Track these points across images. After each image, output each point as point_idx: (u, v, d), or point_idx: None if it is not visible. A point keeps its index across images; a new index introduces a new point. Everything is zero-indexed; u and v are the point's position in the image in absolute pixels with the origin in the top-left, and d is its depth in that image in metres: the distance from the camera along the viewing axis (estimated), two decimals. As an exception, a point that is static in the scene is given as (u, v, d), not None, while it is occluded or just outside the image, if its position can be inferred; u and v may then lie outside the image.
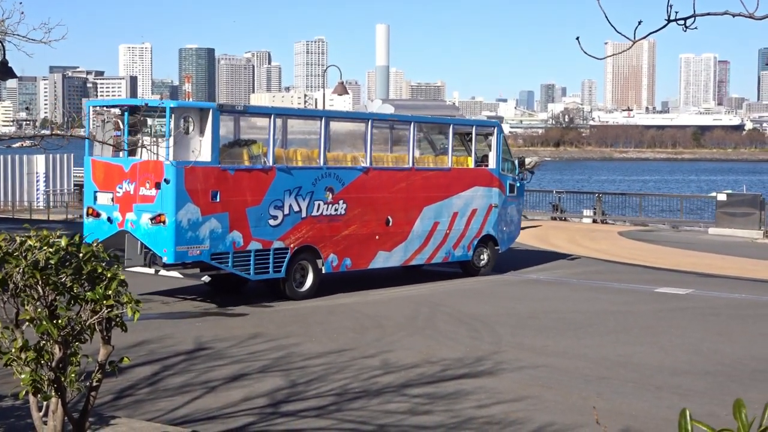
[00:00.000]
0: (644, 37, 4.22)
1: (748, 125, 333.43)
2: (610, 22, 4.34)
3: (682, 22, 4.08)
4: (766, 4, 3.92)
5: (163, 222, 19.27)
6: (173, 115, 19.45)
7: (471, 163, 26.03)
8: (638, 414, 12.03)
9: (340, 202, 22.23)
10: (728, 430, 2.28)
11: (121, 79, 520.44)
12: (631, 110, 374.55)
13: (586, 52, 4.55)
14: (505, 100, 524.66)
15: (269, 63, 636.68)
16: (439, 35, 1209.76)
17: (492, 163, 26.37)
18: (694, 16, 4.08)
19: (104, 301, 6.88)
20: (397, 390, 13.00)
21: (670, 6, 4.00)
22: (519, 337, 17.22)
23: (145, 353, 14.98)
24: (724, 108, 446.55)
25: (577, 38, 4.62)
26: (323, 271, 22.11)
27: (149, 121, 20.86)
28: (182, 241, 19.27)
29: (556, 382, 13.78)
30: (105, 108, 21.60)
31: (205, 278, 20.43)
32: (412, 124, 24.34)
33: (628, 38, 4.21)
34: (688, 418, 2.27)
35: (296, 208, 21.31)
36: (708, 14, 4.06)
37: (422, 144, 26.55)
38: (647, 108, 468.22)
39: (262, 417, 11.51)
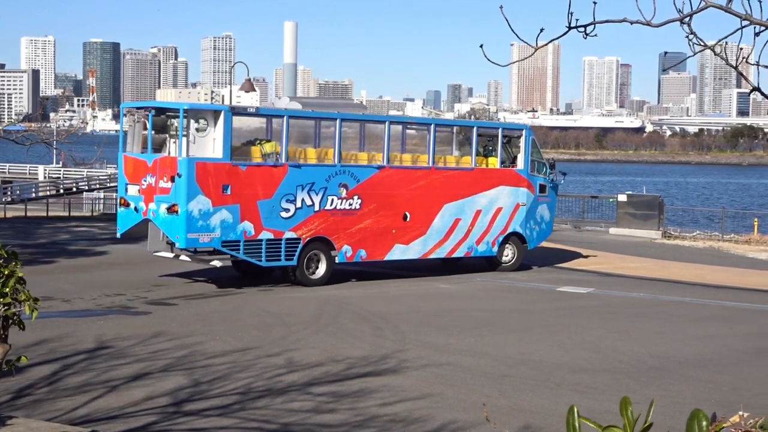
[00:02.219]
0: (546, 44, 4.29)
1: (649, 127, 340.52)
2: (513, 30, 4.41)
3: (582, 29, 4.16)
4: (662, 11, 4.02)
5: (176, 211, 21.49)
6: (187, 116, 21.64)
7: (496, 163, 27.00)
8: (538, 411, 12.21)
9: (355, 197, 23.93)
10: (614, 427, 2.34)
11: (23, 72, 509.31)
12: (536, 111, 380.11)
13: (489, 60, 4.61)
14: (412, 100, 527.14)
15: (176, 58, 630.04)
16: (347, 34, 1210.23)
17: (520, 164, 27.36)
18: (594, 23, 4.17)
19: (1, 299, 6.75)
20: (301, 388, 12.99)
21: (571, 13, 4.07)
22: (423, 335, 17.34)
23: (44, 352, 14.72)
24: (626, 110, 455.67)
25: (481, 46, 4.68)
26: (337, 261, 23.86)
27: (172, 121, 22.45)
28: (193, 229, 21.47)
29: (459, 379, 13.92)
30: (136, 109, 23.65)
31: (216, 263, 22.57)
32: (432, 125, 26.13)
33: (530, 45, 4.28)
34: (575, 414, 2.33)
35: (309, 202, 23.14)
36: (607, 21, 4.15)
37: (463, 146, 27.79)
38: (551, 109, 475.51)
39: (165, 416, 11.40)
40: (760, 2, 3.96)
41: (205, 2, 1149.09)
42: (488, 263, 27.34)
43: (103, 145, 37.34)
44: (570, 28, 4.00)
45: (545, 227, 28.29)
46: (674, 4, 4.04)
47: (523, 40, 4.11)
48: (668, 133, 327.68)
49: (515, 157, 27.58)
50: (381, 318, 18.95)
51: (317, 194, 23.24)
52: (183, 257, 22.76)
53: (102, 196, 54.90)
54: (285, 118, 23.01)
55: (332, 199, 23.53)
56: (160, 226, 22.06)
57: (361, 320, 18.74)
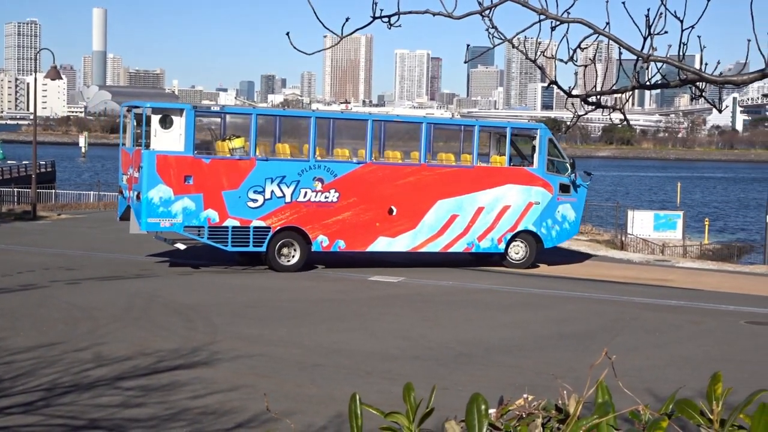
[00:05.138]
0: (351, 33, 4.32)
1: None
2: (318, 19, 4.43)
3: (386, 19, 4.21)
4: (463, 4, 4.11)
5: (140, 198, 23.77)
6: (152, 114, 24.26)
7: (504, 162, 27.37)
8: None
9: (332, 191, 25.25)
10: (396, 413, 2.40)
11: None
12: (349, 103, 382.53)
13: (295, 47, 4.62)
14: (225, 90, 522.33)
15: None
16: (158, 22, 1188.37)
17: (536, 163, 27.44)
18: (398, 14, 4.22)
19: None
20: (109, 383, 12.71)
21: (375, 4, 4.12)
22: (235, 326, 17.23)
23: None
24: (436, 103, 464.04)
25: (287, 33, 4.69)
26: (312, 250, 25.32)
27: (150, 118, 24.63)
28: (154, 214, 23.79)
29: (272, 370, 13.91)
30: (132, 108, 26.24)
31: (179, 245, 24.81)
32: (424, 124, 26.96)
33: (336, 34, 4.30)
34: (357, 402, 2.38)
35: (279, 194, 24.79)
36: (410, 12, 4.22)
37: (500, 145, 28.51)
38: (364, 101, 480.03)
39: (-36, 416, 10.93)
40: (557, -3, 4.09)
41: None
42: (500, 259, 27.75)
43: None
44: (374, 18, 4.05)
45: (569, 227, 28.16)
46: (476, -3, 4.13)
47: (328, 29, 4.14)
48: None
49: (531, 156, 27.81)
50: (192, 310, 18.73)
51: (288, 187, 24.79)
52: (156, 238, 25.84)
53: None
54: (253, 115, 25.05)
55: (305, 192, 25.00)
56: (133, 210, 24.45)
57: (172, 312, 18.46)
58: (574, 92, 4.45)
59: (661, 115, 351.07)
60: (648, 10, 3.92)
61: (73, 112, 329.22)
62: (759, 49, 3.71)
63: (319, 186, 25.12)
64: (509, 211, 27.20)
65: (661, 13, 3.91)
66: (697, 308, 21.68)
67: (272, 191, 24.69)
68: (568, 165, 28.14)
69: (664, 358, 16.02)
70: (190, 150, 24.07)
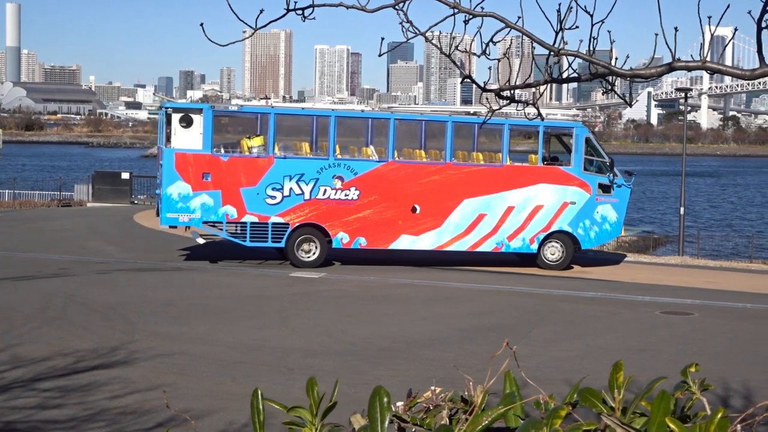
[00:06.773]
0: (265, 26, 4.31)
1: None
2: (232, 10, 4.41)
3: (300, 12, 4.20)
4: (377, -2, 4.11)
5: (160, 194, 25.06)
6: (172, 114, 25.36)
7: (537, 161, 27.22)
8: (271, 396, 12.23)
9: (352, 188, 25.71)
10: (299, 407, 2.42)
11: None
12: (269, 98, 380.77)
13: (209, 38, 4.60)
14: (143, 86, 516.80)
15: None
16: (74, 17, 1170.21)
17: (571, 162, 27.06)
18: (312, 6, 4.22)
19: None
20: (26, 385, 12.48)
21: (289, -4, 4.10)
22: (153, 325, 17.04)
23: None
24: (357, 98, 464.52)
25: (201, 24, 4.67)
26: (332, 246, 25.83)
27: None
28: (172, 210, 24.84)
29: (192, 368, 13.79)
30: (170, 109, 26.35)
31: (200, 240, 26.03)
32: (449, 122, 27.03)
33: (250, 26, 4.29)
34: (259, 397, 2.39)
35: (297, 191, 25.42)
36: (324, 5, 4.22)
37: (551, 144, 28.67)
38: (284, 97, 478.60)
39: None
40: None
41: None
42: (535, 260, 27.23)
43: None
44: (288, 10, 4.04)
45: (609, 228, 27.39)
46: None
47: (242, 21, 4.12)
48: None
49: (569, 155, 27.51)
50: (110, 309, 18.47)
51: (307, 184, 25.41)
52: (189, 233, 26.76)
53: None
54: (272, 114, 25.89)
55: (325, 189, 25.52)
56: (159, 205, 25.45)
57: (90, 312, 18.19)
58: (489, 87, 4.49)
59: (578, 109, 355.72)
60: (559, 4, 3.97)
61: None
62: (666, 44, 3.78)
63: (338, 184, 25.62)
64: (542, 211, 26.68)
65: (571, 8, 3.96)
66: (613, 299, 22.05)
67: (291, 188, 25.36)
68: (608, 164, 27.38)
69: (582, 348, 16.25)
70: (208, 148, 25.03)
